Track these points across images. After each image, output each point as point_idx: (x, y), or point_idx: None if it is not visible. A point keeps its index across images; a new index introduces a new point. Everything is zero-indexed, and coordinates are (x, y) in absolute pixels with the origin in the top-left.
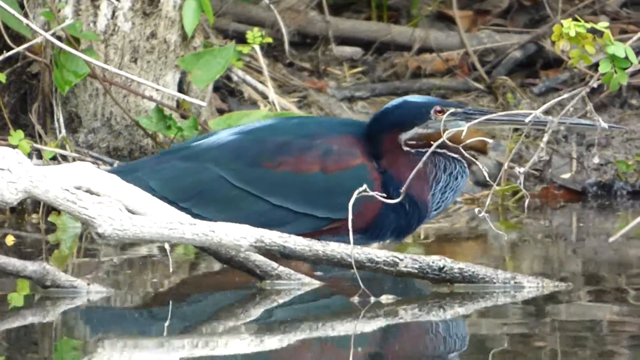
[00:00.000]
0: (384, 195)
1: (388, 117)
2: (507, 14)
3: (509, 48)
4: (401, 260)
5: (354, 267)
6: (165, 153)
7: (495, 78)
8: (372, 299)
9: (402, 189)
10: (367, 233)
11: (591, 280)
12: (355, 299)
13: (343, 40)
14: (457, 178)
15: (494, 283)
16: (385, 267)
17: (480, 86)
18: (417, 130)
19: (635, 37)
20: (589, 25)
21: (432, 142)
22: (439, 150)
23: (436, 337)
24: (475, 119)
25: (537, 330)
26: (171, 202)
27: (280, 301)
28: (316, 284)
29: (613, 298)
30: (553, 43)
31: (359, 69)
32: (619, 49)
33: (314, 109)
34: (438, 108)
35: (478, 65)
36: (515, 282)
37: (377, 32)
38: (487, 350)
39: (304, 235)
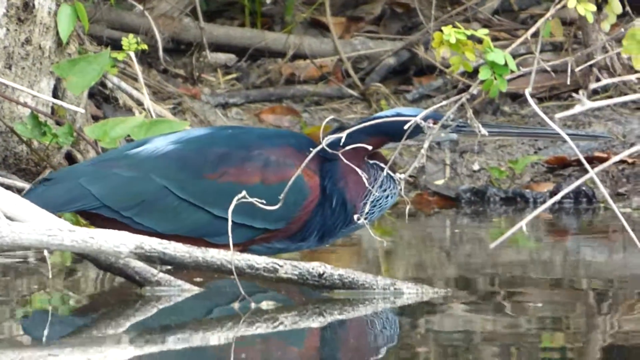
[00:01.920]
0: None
1: (379, 126)
2: (379, 20)
3: (382, 55)
4: (281, 266)
5: (234, 273)
6: (105, 160)
7: (369, 85)
8: (253, 305)
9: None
10: (293, 237)
11: (468, 286)
12: (236, 305)
13: (217, 47)
14: (387, 197)
15: (374, 289)
16: (265, 274)
17: (355, 93)
18: (407, 142)
19: (515, 44)
20: (469, 32)
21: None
22: (382, 166)
23: (313, 343)
24: (465, 131)
25: (417, 337)
26: (114, 211)
27: (161, 307)
28: (196, 290)
29: (490, 304)
30: (426, 50)
31: (233, 75)
32: (499, 56)
33: (189, 115)
34: (431, 121)
35: (352, 72)
36: (395, 288)
37: (251, 39)
38: (366, 357)
39: (240, 244)
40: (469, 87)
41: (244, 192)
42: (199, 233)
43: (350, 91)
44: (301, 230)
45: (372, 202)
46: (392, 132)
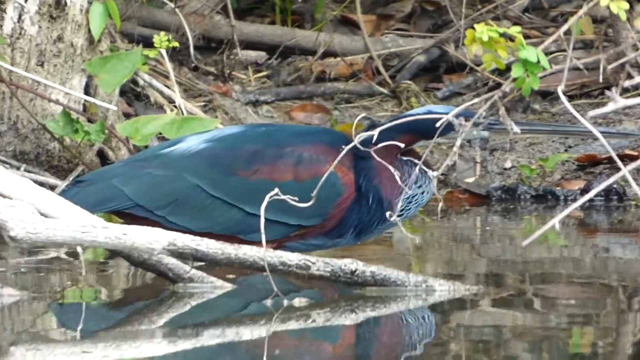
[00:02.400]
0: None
1: (411, 124)
2: (410, 18)
3: (412, 52)
4: (313, 263)
5: (267, 270)
6: (137, 160)
7: (399, 82)
8: (286, 302)
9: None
10: (330, 233)
11: (499, 283)
12: (269, 302)
13: (248, 45)
14: (423, 193)
15: (406, 286)
16: (298, 270)
17: (385, 90)
18: (439, 140)
19: (547, 42)
20: (501, 30)
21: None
22: (415, 162)
23: (346, 340)
24: (496, 129)
25: (450, 334)
26: (147, 210)
27: (193, 303)
28: (228, 287)
29: (521, 301)
30: (456, 48)
31: (264, 73)
32: (531, 54)
33: (220, 113)
34: (463, 119)
35: (382, 70)
36: (426, 286)
37: (282, 37)
38: (399, 354)
39: (273, 241)
40: (499, 84)
41: (276, 190)
42: (232, 231)
43: (381, 89)
44: (338, 227)
45: (408, 198)
46: (424, 129)
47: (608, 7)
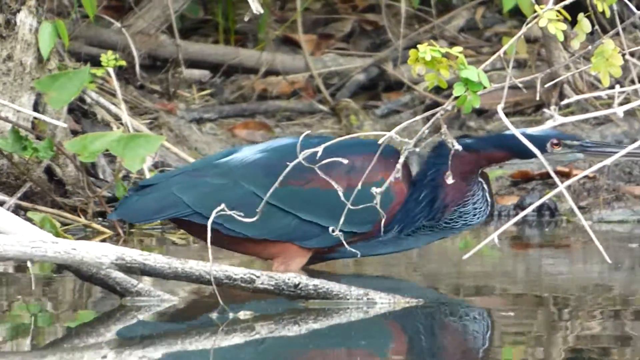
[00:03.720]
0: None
1: (506, 141)
2: (349, 38)
3: (352, 71)
4: (258, 277)
5: (213, 283)
6: (195, 169)
7: (339, 100)
8: (231, 315)
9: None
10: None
11: (437, 296)
12: (214, 315)
13: (192, 63)
14: (474, 215)
15: (348, 299)
16: (243, 284)
17: (325, 108)
18: (531, 160)
19: (488, 61)
20: (444, 50)
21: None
22: (484, 186)
23: (289, 352)
24: (591, 151)
25: (391, 345)
26: (205, 218)
27: (141, 317)
28: (175, 300)
29: (457, 313)
30: (394, 66)
31: (208, 91)
32: (472, 73)
33: (165, 130)
34: (555, 141)
35: (322, 88)
36: (368, 298)
37: (225, 56)
38: None
39: (329, 247)
40: (436, 103)
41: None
42: (287, 237)
43: (321, 106)
44: (384, 228)
45: (461, 212)
46: (518, 149)
47: (541, 28)
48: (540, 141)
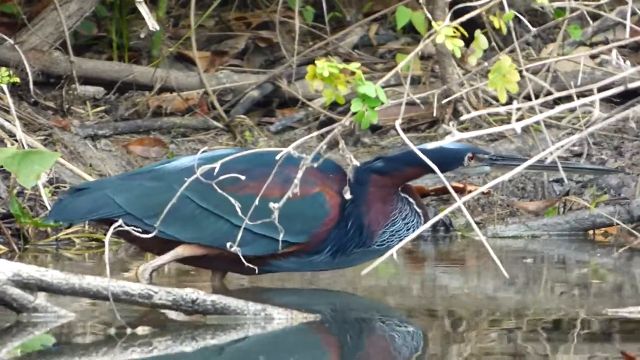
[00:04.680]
0: None
1: (417, 159)
2: (243, 55)
3: (246, 88)
4: (156, 292)
5: (111, 299)
6: (131, 174)
7: (233, 117)
8: (129, 330)
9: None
10: (310, 252)
11: (332, 313)
12: (112, 331)
13: (86, 80)
14: (408, 229)
15: (245, 314)
16: (140, 300)
17: (220, 124)
18: (447, 175)
19: (386, 77)
20: (341, 66)
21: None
22: (409, 199)
23: None
24: (498, 164)
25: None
26: (137, 219)
27: (37, 333)
28: (72, 316)
29: (361, 329)
30: (289, 83)
31: (102, 107)
32: (370, 89)
33: (59, 146)
34: (471, 154)
35: (217, 104)
36: (265, 314)
37: (119, 72)
38: None
39: (262, 257)
40: (330, 119)
41: (276, 204)
42: (219, 243)
43: (216, 123)
44: (318, 245)
45: (392, 231)
46: (436, 164)
47: (435, 45)
48: (458, 155)
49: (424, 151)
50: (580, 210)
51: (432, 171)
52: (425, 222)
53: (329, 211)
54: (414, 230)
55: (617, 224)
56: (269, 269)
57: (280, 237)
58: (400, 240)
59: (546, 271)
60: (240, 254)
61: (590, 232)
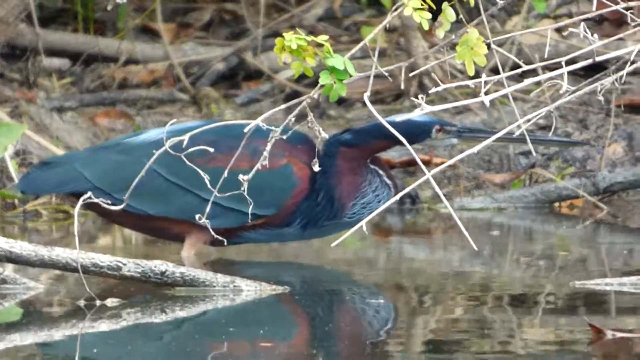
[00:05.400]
0: None
1: (384, 131)
2: (209, 27)
3: (212, 60)
4: (124, 264)
5: (80, 271)
6: (99, 147)
7: (199, 89)
8: (98, 302)
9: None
10: (280, 224)
11: (308, 284)
12: (82, 302)
13: (52, 52)
14: (379, 201)
15: (214, 286)
16: (109, 272)
17: (185, 97)
18: (415, 147)
19: (352, 51)
20: (309, 38)
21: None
22: (379, 171)
23: (153, 339)
24: (466, 136)
25: (259, 331)
26: (105, 193)
27: (6, 305)
28: (41, 288)
29: (329, 301)
30: (254, 55)
31: (68, 80)
32: (338, 62)
33: (25, 118)
34: (438, 127)
35: (183, 77)
36: (234, 286)
37: (85, 44)
38: (206, 351)
39: (231, 229)
40: (296, 91)
41: (247, 176)
42: (188, 215)
43: (182, 95)
44: (287, 218)
45: (363, 203)
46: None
47: (400, 17)
48: (426, 127)
49: (392, 124)
50: (546, 183)
51: (400, 143)
52: (395, 193)
53: (297, 183)
54: (384, 202)
55: (583, 196)
56: (238, 241)
57: (250, 209)
58: (371, 212)
59: (512, 243)
60: (209, 227)
61: (556, 204)
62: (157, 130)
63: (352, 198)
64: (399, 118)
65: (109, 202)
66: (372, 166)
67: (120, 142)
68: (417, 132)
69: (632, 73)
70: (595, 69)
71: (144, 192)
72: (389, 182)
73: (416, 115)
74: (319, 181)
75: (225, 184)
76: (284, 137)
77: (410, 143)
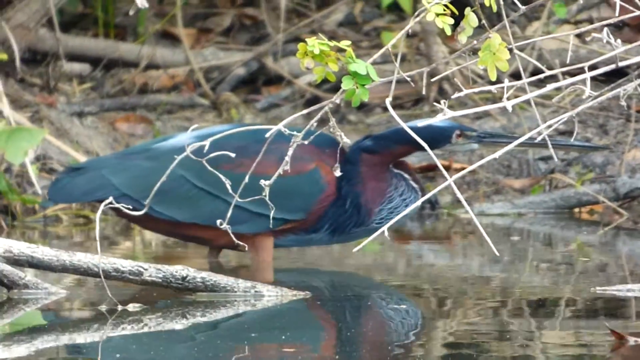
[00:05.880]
0: None
1: (405, 137)
2: (229, 32)
3: (232, 65)
4: (146, 269)
5: (102, 276)
6: (128, 153)
7: (219, 94)
8: (120, 307)
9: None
10: (307, 229)
11: (330, 289)
12: (104, 307)
13: (72, 57)
14: (406, 205)
15: (235, 292)
16: (131, 277)
17: (206, 102)
18: (435, 152)
19: (375, 56)
20: (332, 44)
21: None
22: (404, 175)
23: (175, 344)
24: (486, 141)
25: (281, 337)
26: (134, 200)
27: (28, 309)
28: (63, 293)
29: (350, 306)
30: (274, 60)
31: (88, 84)
32: (361, 67)
33: (46, 123)
34: (458, 132)
35: (203, 82)
36: (255, 291)
37: (105, 49)
38: (229, 356)
39: (260, 234)
40: (316, 96)
41: (265, 181)
42: (215, 221)
43: (202, 100)
44: (315, 223)
45: (390, 208)
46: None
47: (420, 23)
48: (447, 132)
49: (413, 129)
50: (566, 188)
51: (421, 149)
52: (422, 196)
53: (325, 187)
54: (410, 206)
55: (603, 201)
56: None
57: (277, 214)
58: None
59: (532, 249)
60: (230, 232)
61: (576, 209)
62: (185, 135)
63: (379, 204)
64: (420, 123)
65: (130, 207)
66: (396, 170)
67: (148, 148)
68: (438, 138)
69: None
70: (616, 74)
71: (172, 199)
72: (415, 185)
73: (437, 120)
74: (344, 189)
75: (254, 189)
76: (312, 141)
77: (432, 149)
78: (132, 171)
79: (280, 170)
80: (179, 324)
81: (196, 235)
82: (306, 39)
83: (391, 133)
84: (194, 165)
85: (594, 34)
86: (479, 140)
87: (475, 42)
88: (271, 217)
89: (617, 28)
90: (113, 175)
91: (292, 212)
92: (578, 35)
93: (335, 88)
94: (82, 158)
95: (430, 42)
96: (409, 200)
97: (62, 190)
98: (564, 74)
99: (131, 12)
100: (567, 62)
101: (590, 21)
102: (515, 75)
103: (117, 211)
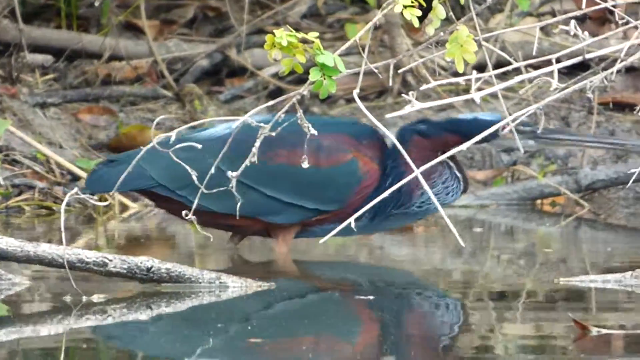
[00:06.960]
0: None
1: (459, 126)
2: (192, 24)
3: (195, 57)
4: (110, 260)
5: (67, 267)
6: (163, 144)
7: (183, 86)
8: (84, 298)
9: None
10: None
11: (291, 280)
12: (68, 298)
13: (35, 48)
14: (448, 194)
15: (200, 283)
16: (95, 268)
17: (169, 94)
18: (483, 145)
19: (343, 47)
20: (300, 35)
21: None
22: (449, 163)
23: (142, 335)
24: (545, 139)
25: (246, 327)
26: (169, 190)
27: None
28: (27, 283)
29: (316, 296)
30: (238, 52)
31: (51, 75)
32: (329, 58)
33: (8, 114)
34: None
35: (166, 73)
36: (220, 282)
37: (68, 41)
38: (191, 348)
39: (293, 224)
40: (279, 88)
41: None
42: (252, 212)
43: (165, 92)
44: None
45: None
46: (469, 133)
47: (384, 15)
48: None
49: (461, 121)
50: (528, 180)
51: (468, 140)
52: (464, 186)
53: (363, 178)
54: (452, 194)
55: (565, 193)
56: (306, 235)
57: (311, 204)
58: (440, 203)
59: (494, 240)
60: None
61: (538, 201)
62: (223, 126)
63: (420, 187)
64: (468, 116)
65: (95, 197)
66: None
67: (184, 138)
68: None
69: (615, 71)
70: (578, 67)
71: (207, 189)
72: (459, 174)
73: (483, 114)
74: (389, 166)
75: (289, 179)
76: (349, 132)
77: (480, 142)
78: (166, 161)
79: (247, 162)
80: (143, 315)
81: (232, 224)
82: (274, 31)
83: (444, 122)
84: (230, 155)
85: (561, 27)
86: (535, 137)
87: (442, 34)
88: (303, 208)
89: (580, 21)
90: (148, 164)
91: (328, 203)
92: (542, 28)
93: (299, 80)
94: (44, 149)
95: (394, 34)
96: (450, 189)
97: (100, 180)
98: (527, 66)
99: (96, 3)
100: (533, 54)
101: (553, 14)
102: (479, 68)
103: (155, 198)
